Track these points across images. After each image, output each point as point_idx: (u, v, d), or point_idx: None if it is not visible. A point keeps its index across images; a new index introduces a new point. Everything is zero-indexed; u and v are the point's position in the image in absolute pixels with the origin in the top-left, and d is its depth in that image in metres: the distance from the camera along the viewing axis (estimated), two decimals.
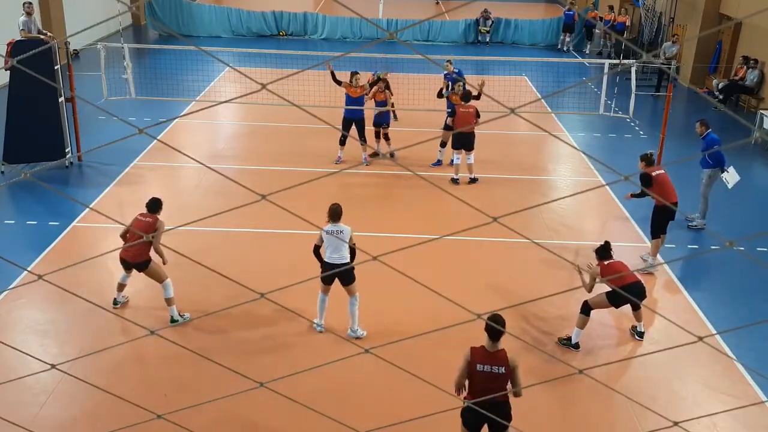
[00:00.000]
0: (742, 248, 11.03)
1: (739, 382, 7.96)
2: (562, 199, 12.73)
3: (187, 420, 6.52)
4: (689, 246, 11.06)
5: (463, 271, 10.11)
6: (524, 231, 11.13)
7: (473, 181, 13.28)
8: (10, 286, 9.35)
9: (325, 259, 8.14)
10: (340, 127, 13.74)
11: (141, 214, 8.53)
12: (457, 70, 15.27)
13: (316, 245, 8.23)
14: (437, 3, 36.71)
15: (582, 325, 8.40)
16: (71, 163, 13.66)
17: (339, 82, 13.66)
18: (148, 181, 13.09)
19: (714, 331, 8.77)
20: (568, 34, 26.64)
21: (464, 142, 13.04)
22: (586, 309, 8.41)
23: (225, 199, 12.02)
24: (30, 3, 14.37)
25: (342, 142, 14.11)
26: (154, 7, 26.51)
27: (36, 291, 9.18)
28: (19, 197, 12.23)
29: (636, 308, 8.59)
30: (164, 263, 8.44)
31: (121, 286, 8.86)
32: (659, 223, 10.14)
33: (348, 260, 8.12)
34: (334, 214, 8.14)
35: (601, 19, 27.13)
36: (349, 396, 7.53)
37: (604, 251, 8.54)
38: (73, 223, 11.18)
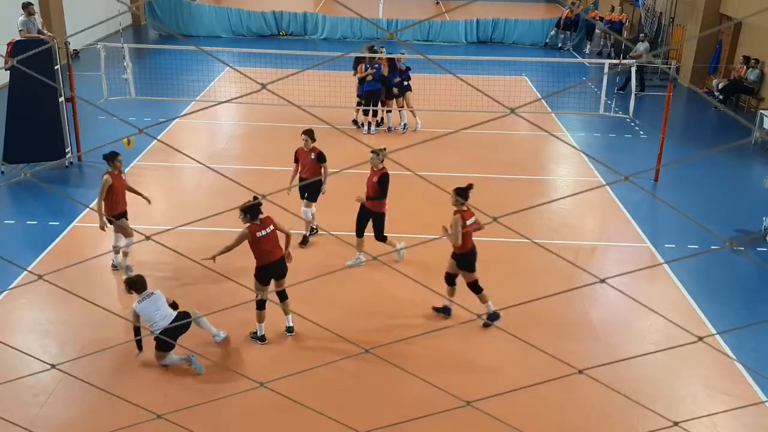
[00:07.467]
0: (742, 248, 11.02)
1: (739, 382, 7.95)
2: (562, 199, 12.72)
3: (187, 420, 6.52)
4: (689, 246, 11.05)
5: None
6: (524, 231, 11.12)
7: (312, 233, 11.18)
8: (10, 286, 9.35)
9: None
10: (358, 105, 15.86)
11: None
12: (405, 66, 16.04)
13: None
14: (437, 3, 36.70)
15: (450, 294, 8.21)
16: (71, 163, 13.66)
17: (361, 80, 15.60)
18: (148, 181, 13.08)
19: (714, 331, 8.77)
20: (562, 31, 26.60)
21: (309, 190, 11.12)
22: (450, 278, 8.38)
23: (225, 199, 12.01)
24: (30, 4, 14.36)
25: (366, 113, 15.82)
26: (154, 7, 26.49)
27: (36, 291, 9.18)
28: (19, 197, 12.23)
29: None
30: None
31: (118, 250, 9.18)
32: None
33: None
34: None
35: (601, 19, 27.11)
36: (349, 396, 7.52)
37: (465, 192, 8.27)
38: (73, 223, 11.18)
